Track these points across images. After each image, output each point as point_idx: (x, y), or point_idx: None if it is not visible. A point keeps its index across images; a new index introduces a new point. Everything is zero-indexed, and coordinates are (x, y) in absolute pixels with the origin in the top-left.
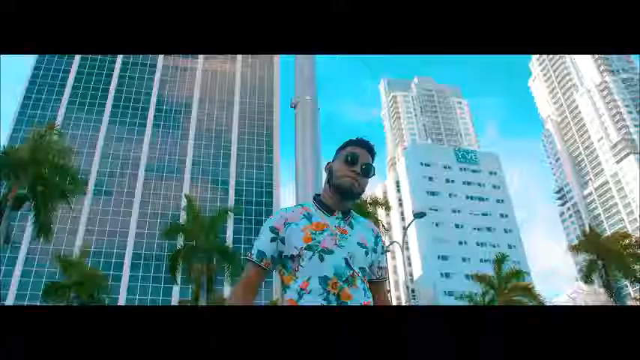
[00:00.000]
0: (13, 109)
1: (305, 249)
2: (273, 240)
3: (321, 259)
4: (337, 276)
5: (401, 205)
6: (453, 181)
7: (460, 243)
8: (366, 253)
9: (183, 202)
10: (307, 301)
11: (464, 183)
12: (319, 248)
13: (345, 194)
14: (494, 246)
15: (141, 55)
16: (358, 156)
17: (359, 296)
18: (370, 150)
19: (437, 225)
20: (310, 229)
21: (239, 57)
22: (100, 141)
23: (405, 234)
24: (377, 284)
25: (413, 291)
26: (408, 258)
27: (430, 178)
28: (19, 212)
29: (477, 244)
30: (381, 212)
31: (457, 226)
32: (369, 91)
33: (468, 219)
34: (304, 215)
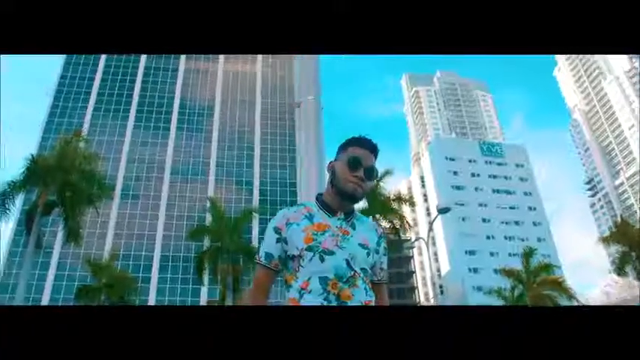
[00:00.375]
0: (41, 119)
1: (306, 249)
2: (278, 241)
3: (322, 259)
4: (337, 277)
5: (426, 200)
6: (478, 174)
7: (488, 237)
8: (368, 254)
9: (209, 204)
10: (308, 300)
11: (490, 176)
12: (320, 249)
13: (347, 199)
14: (522, 239)
15: (163, 60)
16: (360, 159)
17: (360, 295)
18: (373, 149)
19: (463, 220)
20: (311, 230)
21: (259, 57)
22: (126, 146)
23: (430, 229)
24: (378, 286)
25: (441, 287)
26: (435, 254)
27: (455, 173)
28: (50, 218)
29: (505, 238)
30: (406, 208)
31: (484, 220)
32: (391, 86)
33: (495, 213)
34: (306, 215)
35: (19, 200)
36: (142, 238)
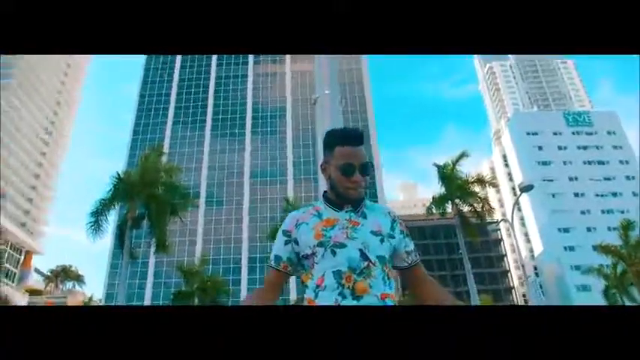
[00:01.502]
0: (127, 139)
1: (317, 246)
2: (287, 243)
3: (334, 253)
4: (351, 269)
5: (511, 179)
6: (565, 147)
7: (582, 212)
8: (382, 241)
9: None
10: (322, 297)
11: (579, 148)
12: (331, 243)
13: (350, 203)
14: (622, 212)
15: (232, 68)
16: (352, 163)
17: (377, 287)
18: (359, 141)
19: (553, 196)
20: (321, 226)
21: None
22: (205, 155)
23: (514, 209)
24: (411, 270)
25: (535, 268)
26: (526, 234)
27: (540, 148)
28: (143, 230)
29: (602, 212)
30: (489, 190)
31: (576, 194)
32: (462, 66)
33: (589, 186)
34: (315, 214)
35: (114, 216)
36: (229, 242)
